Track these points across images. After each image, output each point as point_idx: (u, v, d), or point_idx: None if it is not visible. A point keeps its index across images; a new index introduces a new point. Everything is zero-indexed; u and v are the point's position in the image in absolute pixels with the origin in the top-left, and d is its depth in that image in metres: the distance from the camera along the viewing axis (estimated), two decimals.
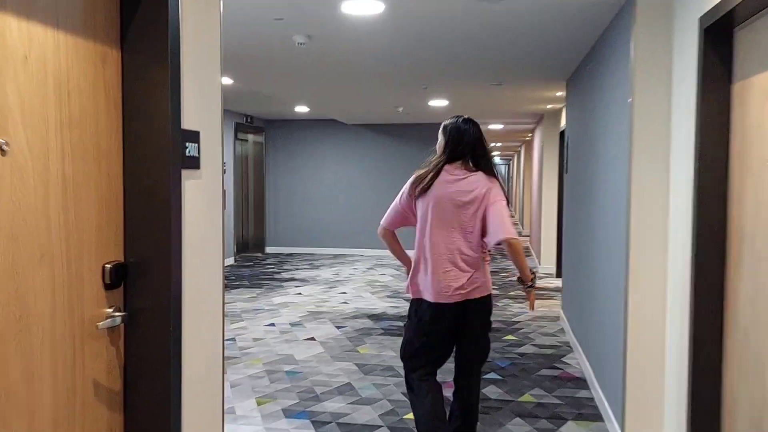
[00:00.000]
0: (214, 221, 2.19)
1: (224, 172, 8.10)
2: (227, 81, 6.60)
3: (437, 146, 3.03)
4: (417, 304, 2.94)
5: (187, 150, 1.95)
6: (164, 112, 1.80)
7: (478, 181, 2.86)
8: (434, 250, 2.85)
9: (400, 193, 3.01)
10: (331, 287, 7.99)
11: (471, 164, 2.90)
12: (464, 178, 2.86)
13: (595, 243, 4.26)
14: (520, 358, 5.03)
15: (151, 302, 1.82)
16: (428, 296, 2.87)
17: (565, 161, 6.54)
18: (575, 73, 5.66)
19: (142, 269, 1.83)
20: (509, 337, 5.66)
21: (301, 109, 9.47)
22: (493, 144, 18.68)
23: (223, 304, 2.28)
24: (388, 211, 3.06)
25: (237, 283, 8.18)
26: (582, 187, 5.01)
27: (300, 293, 7.58)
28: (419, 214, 2.92)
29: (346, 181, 11.29)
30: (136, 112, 1.83)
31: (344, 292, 7.63)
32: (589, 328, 4.53)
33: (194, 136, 2.01)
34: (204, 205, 2.11)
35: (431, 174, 2.88)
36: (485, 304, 2.90)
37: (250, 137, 11.39)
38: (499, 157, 31.40)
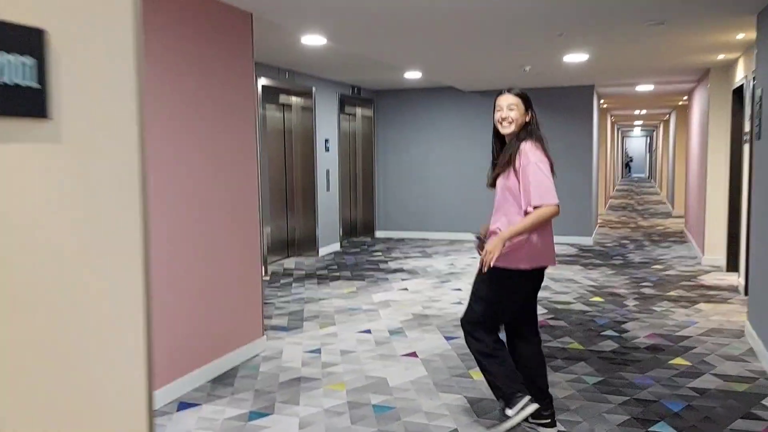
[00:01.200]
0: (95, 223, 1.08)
1: (327, 149, 6.69)
2: (319, 40, 5.55)
3: (514, 117, 3.01)
4: (524, 270, 2.95)
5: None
6: None
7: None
8: None
9: (543, 165, 2.92)
10: (443, 281, 6.81)
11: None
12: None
13: None
14: (698, 397, 3.59)
15: None
16: (543, 261, 2.99)
17: (754, 125, 4.87)
18: None
19: None
20: (678, 361, 4.20)
21: (413, 75, 8.30)
22: (635, 112, 16.45)
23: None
24: (550, 184, 2.89)
25: (337, 274, 7.22)
26: None
27: (406, 288, 6.46)
28: None
29: (463, 157, 10.00)
30: None
31: (458, 289, 6.42)
32: None
33: (19, 38, 0.90)
34: (62, 196, 1.00)
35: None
36: None
37: (358, 111, 10.40)
38: (639, 128, 28.43)
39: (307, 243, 8.50)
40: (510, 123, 3.00)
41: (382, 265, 7.76)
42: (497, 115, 3.05)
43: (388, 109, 10.37)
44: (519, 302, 3.06)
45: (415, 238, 10.18)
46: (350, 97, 9.57)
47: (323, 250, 8.65)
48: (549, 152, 2.99)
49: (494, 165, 3.15)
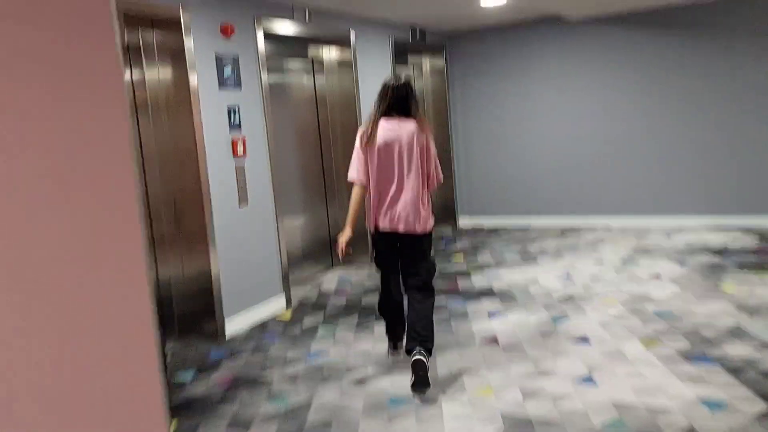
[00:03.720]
0: None
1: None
2: None
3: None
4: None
5: None
6: None
7: None
8: None
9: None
10: (558, 319, 4.25)
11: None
12: None
13: None
14: None
15: None
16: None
17: None
18: None
19: None
20: None
21: (494, 1, 5.67)
22: None
23: None
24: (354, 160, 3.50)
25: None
26: None
27: (495, 340, 3.97)
28: None
29: (576, 113, 7.22)
30: None
31: (585, 340, 3.85)
32: None
33: None
34: None
35: None
36: None
37: (426, 62, 7.85)
38: None
39: (358, 246, 6.16)
40: None
41: (461, 281, 5.28)
42: None
43: (466, 57, 7.72)
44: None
45: (512, 227, 7.57)
46: (411, 44, 7.03)
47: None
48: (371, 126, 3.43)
49: None
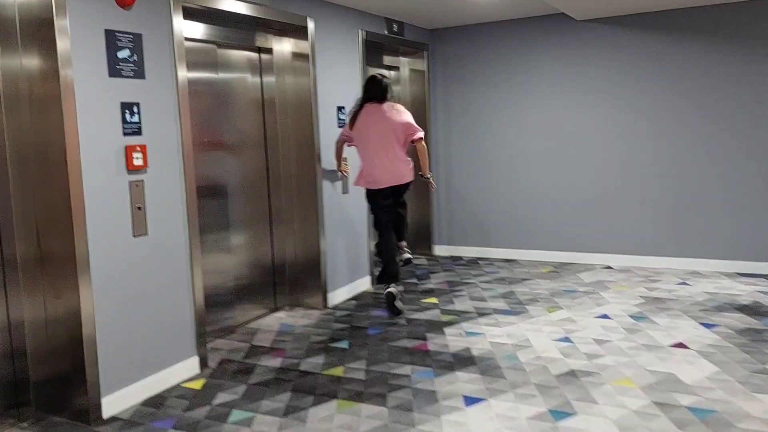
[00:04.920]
0: None
1: (344, 124, 4.76)
2: None
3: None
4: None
5: None
6: None
7: None
8: None
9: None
10: (562, 417, 3.13)
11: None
12: None
13: None
14: None
15: None
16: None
17: None
18: None
19: None
20: None
21: None
22: None
23: None
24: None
25: (334, 373, 3.68)
26: None
27: None
28: None
29: (578, 128, 6.14)
30: None
31: None
32: None
33: None
34: None
35: None
36: None
37: (403, 62, 6.73)
38: None
39: (309, 282, 5.01)
40: None
41: (432, 338, 4.13)
42: None
43: (451, 59, 6.62)
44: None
45: (497, 258, 6.46)
46: (386, 40, 5.90)
47: (338, 294, 5.14)
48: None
49: None
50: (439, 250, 6.85)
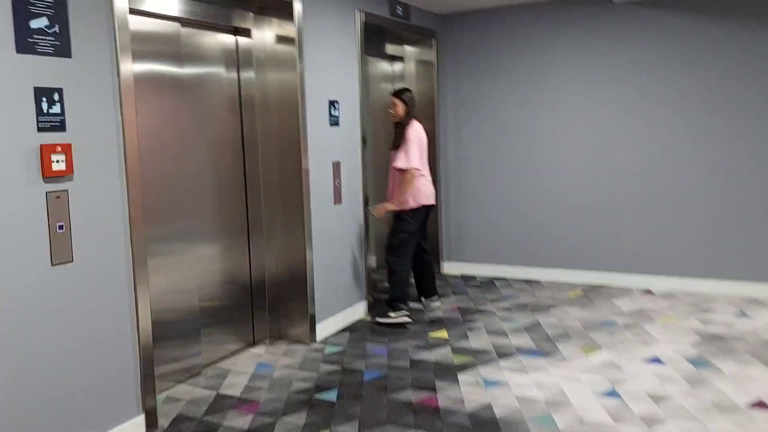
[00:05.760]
0: None
1: (336, 122, 4.19)
2: None
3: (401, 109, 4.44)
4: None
5: None
6: None
7: None
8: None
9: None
10: None
11: None
12: None
13: None
14: None
15: None
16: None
17: None
18: None
19: None
20: None
21: None
22: None
23: None
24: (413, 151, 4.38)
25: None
26: None
27: None
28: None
29: (614, 127, 5.30)
30: None
31: None
32: None
33: None
34: None
35: None
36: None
37: (409, 52, 5.90)
38: None
39: (294, 306, 4.18)
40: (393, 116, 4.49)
41: (442, 387, 3.29)
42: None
43: (462, 50, 5.80)
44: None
45: (516, 279, 5.63)
46: (389, 22, 5.08)
47: (328, 324, 4.31)
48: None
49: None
50: (449, 267, 6.02)
